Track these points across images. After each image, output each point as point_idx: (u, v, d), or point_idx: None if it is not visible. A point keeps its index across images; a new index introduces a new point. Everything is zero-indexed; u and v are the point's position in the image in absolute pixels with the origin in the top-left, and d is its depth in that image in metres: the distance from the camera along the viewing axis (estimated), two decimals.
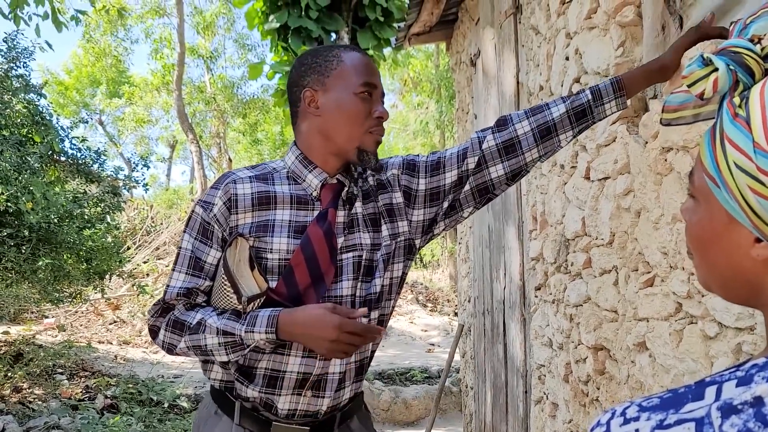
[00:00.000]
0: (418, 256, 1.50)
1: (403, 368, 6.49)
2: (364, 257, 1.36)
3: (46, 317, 8.12)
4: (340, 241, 1.34)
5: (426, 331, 9.34)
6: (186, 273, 1.33)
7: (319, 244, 1.32)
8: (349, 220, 1.37)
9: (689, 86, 0.57)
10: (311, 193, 1.36)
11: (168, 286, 1.34)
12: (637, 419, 0.50)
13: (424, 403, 5.61)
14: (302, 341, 1.26)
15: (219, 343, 1.27)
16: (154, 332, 1.37)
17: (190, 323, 1.31)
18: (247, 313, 1.28)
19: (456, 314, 9.52)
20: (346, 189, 1.39)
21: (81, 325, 8.38)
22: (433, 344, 8.48)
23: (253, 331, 1.25)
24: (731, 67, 0.54)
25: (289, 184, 1.37)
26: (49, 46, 4.96)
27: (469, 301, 4.28)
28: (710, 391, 0.49)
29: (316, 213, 1.34)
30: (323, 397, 1.35)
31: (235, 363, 1.34)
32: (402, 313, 10.13)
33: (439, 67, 13.23)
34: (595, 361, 1.91)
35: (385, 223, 1.41)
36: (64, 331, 7.65)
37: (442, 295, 11.71)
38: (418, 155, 1.49)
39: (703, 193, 0.57)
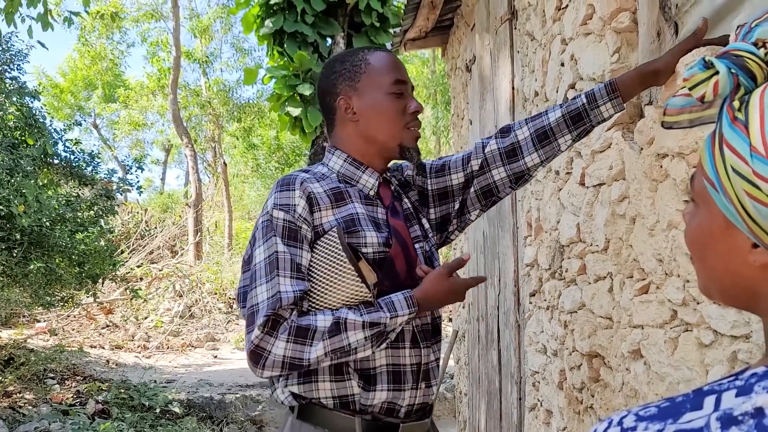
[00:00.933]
0: None
1: None
2: (425, 247, 1.43)
3: (38, 321, 8.06)
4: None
5: None
6: (291, 277, 1.24)
7: (405, 235, 1.38)
8: (405, 214, 1.43)
9: (690, 89, 0.57)
10: (368, 193, 1.39)
11: (279, 292, 1.21)
12: (634, 429, 0.49)
13: None
14: (438, 306, 1.34)
15: (365, 337, 1.23)
16: (258, 354, 1.20)
17: (323, 326, 1.22)
18: (378, 302, 1.27)
19: (450, 320, 9.50)
20: (393, 186, 1.45)
21: (73, 330, 8.32)
22: None
23: (397, 316, 1.26)
24: (732, 70, 0.53)
25: (346, 186, 1.38)
26: (42, 45, 4.95)
27: (463, 307, 4.27)
28: (709, 401, 0.48)
29: (380, 209, 1.38)
30: (432, 386, 1.39)
31: (356, 373, 1.29)
32: None
33: (434, 73, 13.27)
34: (589, 369, 1.90)
35: (422, 216, 1.48)
36: (56, 335, 7.59)
37: None
38: (426, 159, 1.57)
39: (702, 198, 0.56)
